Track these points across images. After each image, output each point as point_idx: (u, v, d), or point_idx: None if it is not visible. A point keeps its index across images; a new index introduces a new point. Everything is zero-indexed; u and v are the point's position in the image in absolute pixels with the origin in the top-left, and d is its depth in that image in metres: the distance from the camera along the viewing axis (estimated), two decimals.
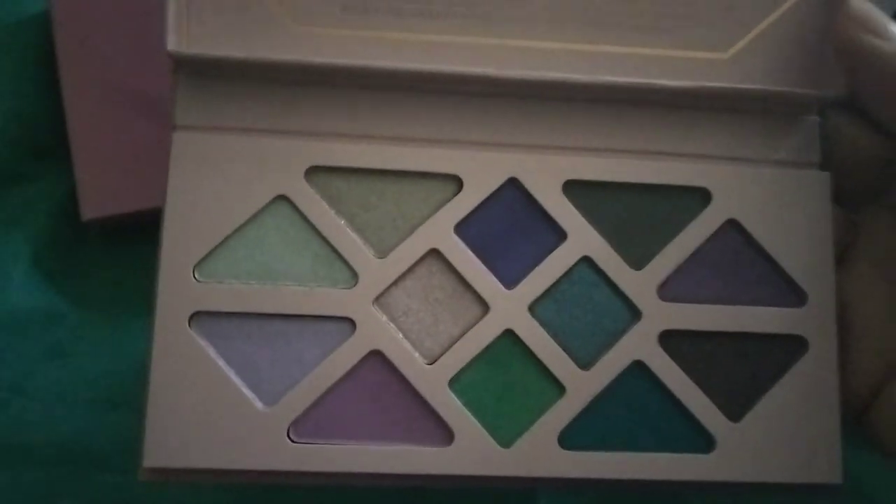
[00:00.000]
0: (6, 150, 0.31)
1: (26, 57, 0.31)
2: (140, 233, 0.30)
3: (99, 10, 0.30)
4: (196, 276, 0.21)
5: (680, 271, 0.23)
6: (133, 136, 0.29)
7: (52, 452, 0.28)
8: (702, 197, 0.23)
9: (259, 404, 0.21)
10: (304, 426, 0.21)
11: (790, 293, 0.23)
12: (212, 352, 0.21)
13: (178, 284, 0.21)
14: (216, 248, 0.21)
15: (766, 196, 0.23)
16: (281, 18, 0.21)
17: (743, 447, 0.22)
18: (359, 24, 0.22)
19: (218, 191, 0.21)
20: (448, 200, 0.22)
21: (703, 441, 0.22)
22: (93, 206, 0.29)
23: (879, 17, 0.22)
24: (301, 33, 0.22)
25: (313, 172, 0.22)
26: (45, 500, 0.27)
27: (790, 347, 0.23)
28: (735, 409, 0.22)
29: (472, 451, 0.21)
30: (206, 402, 0.21)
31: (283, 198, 0.22)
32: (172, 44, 0.21)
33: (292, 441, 0.21)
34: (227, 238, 0.21)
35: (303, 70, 0.22)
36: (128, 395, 0.29)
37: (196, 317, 0.21)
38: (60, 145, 0.30)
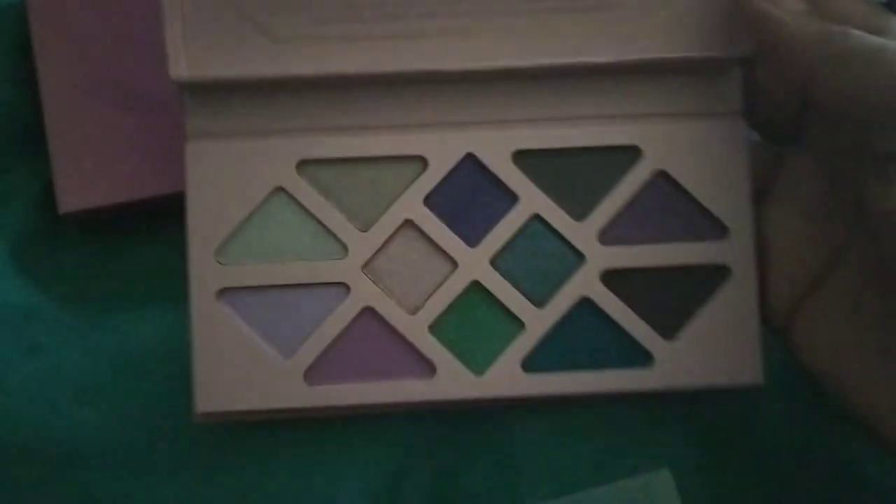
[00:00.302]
0: None
1: (2, 47, 0.30)
2: (118, 226, 0.30)
3: (77, 1, 0.30)
4: (217, 260, 0.26)
5: (617, 219, 0.27)
6: (111, 128, 0.29)
7: (30, 449, 0.28)
8: (633, 153, 0.27)
9: (280, 357, 0.26)
10: (317, 371, 0.26)
11: (714, 228, 0.27)
12: (237, 319, 0.26)
13: (204, 268, 0.26)
14: (230, 235, 0.26)
15: (690, 146, 0.27)
16: (263, 38, 0.25)
17: (677, 360, 0.26)
18: (331, 34, 0.25)
19: (227, 187, 0.26)
20: (416, 178, 0.27)
21: (642, 358, 0.27)
22: (70, 200, 0.28)
23: None
24: (283, 49, 0.25)
25: (303, 165, 0.26)
26: (23, 497, 0.28)
27: (715, 275, 0.27)
28: (669, 329, 0.27)
29: (451, 381, 0.26)
30: (239, 358, 0.26)
31: (280, 189, 0.26)
32: (174, 71, 0.25)
33: (308, 384, 0.26)
34: (238, 226, 0.26)
35: (287, 80, 0.26)
36: (107, 392, 0.29)
37: (222, 292, 0.26)
38: (37, 137, 0.29)
